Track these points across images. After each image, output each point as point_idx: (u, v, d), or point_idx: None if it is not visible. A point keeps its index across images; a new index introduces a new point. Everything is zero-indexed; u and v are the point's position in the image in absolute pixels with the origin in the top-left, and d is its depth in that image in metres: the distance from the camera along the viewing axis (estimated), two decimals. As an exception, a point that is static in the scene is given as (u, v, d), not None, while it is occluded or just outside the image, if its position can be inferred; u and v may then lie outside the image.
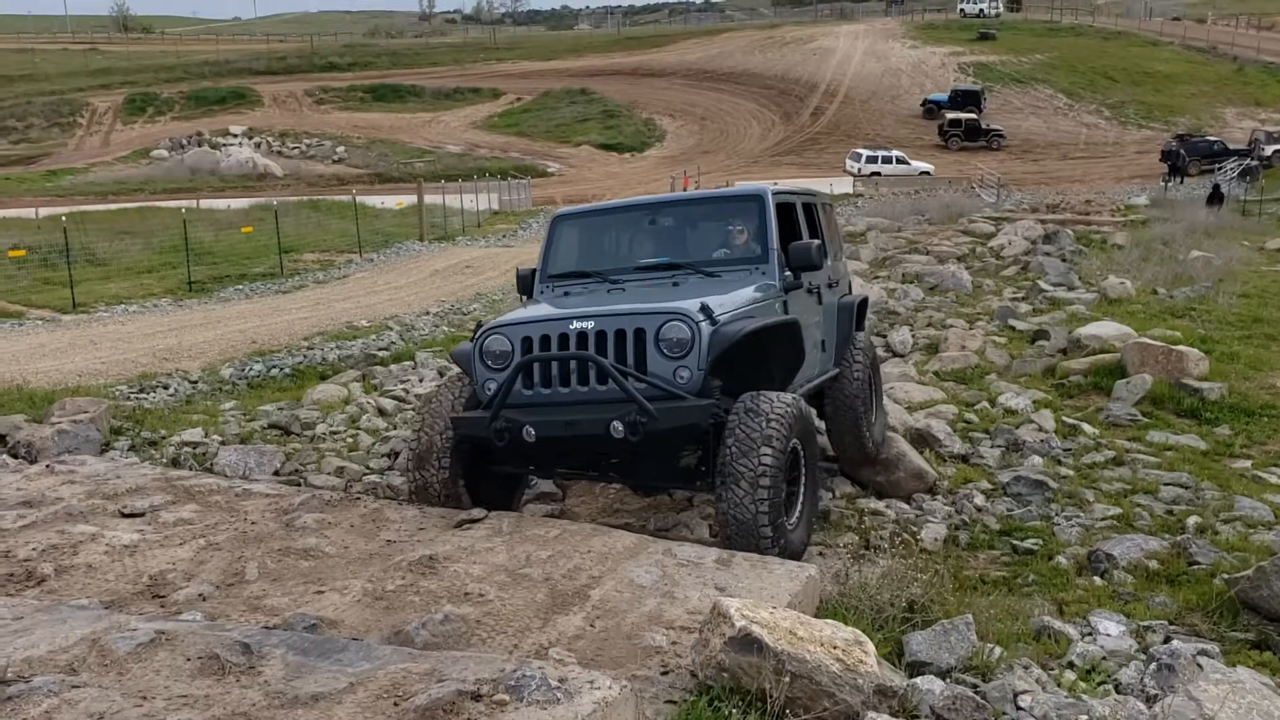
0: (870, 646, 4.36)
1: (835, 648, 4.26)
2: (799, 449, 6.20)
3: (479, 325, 6.49)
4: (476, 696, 3.52)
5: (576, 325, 5.99)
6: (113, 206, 38.49)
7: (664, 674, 4.36)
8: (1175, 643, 5.62)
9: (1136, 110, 68.24)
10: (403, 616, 4.80)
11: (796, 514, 6.26)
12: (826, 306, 8.29)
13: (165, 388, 12.45)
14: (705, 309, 5.96)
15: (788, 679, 4.07)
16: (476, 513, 6.36)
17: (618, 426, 5.71)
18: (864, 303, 9.47)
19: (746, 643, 4.13)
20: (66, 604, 4.52)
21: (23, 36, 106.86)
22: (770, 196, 7.38)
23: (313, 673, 3.71)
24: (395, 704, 3.51)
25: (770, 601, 4.90)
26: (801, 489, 6.36)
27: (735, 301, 6.39)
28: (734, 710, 4.02)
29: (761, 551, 5.74)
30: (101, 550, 5.57)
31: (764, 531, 5.75)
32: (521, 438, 5.94)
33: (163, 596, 5.05)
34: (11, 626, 4.01)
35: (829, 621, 4.47)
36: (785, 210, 7.67)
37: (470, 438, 6.30)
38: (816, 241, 7.22)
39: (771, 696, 4.07)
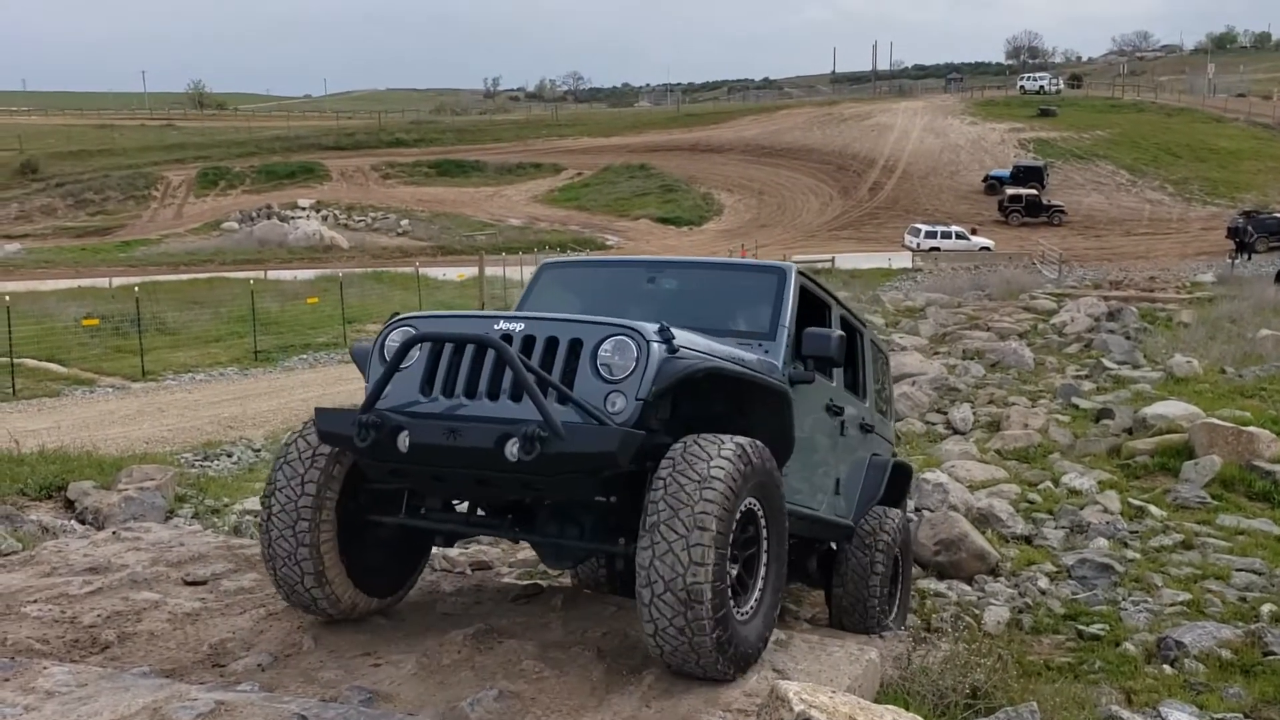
0: (932, 734, 4.27)
1: (896, 734, 4.17)
2: (756, 509, 4.91)
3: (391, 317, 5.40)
4: (531, 777, 3.49)
5: (502, 325, 4.89)
6: (184, 277, 39.51)
7: (720, 757, 4.28)
8: (1250, 736, 5.44)
9: (1201, 186, 67.67)
10: (457, 692, 4.78)
11: (752, 600, 4.95)
12: (850, 440, 7.14)
13: (229, 455, 12.67)
14: (664, 331, 4.78)
15: (847, 766, 3.98)
16: (532, 587, 6.33)
17: (513, 443, 4.50)
18: (906, 474, 8.12)
19: (805, 727, 4.05)
20: (129, 672, 4.57)
21: (103, 113, 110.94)
22: (794, 274, 6.34)
23: (368, 748, 3.71)
24: (449, 782, 3.49)
25: (829, 685, 4.82)
26: (763, 564, 5.04)
27: (713, 347, 5.23)
28: (792, 797, 3.93)
29: (696, 654, 4.56)
30: (164, 618, 5.63)
31: (701, 624, 4.45)
32: (393, 444, 4.71)
33: (222, 665, 5.08)
34: (76, 694, 4.06)
35: (889, 708, 4.38)
36: (814, 305, 6.68)
37: (332, 437, 4.99)
38: (839, 333, 5.97)
39: (830, 784, 3.98)
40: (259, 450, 13.07)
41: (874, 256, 48.91)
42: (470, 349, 4.92)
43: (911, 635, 6.76)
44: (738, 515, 4.68)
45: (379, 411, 4.79)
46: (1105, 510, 10.60)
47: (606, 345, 4.77)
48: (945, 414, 14.84)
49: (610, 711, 4.64)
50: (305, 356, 23.50)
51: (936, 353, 19.41)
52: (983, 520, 10.23)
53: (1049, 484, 11.72)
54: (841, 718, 4.16)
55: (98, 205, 68.45)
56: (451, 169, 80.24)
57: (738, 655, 4.78)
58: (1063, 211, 63.04)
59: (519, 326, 4.89)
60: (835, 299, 7.05)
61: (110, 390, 18.94)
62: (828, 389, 6.68)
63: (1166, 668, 7.05)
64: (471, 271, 37.30)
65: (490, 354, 4.85)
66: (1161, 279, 37.25)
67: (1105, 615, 8.11)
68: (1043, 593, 8.73)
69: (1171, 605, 8.26)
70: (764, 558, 5.08)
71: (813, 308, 6.64)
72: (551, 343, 4.83)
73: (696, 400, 5.34)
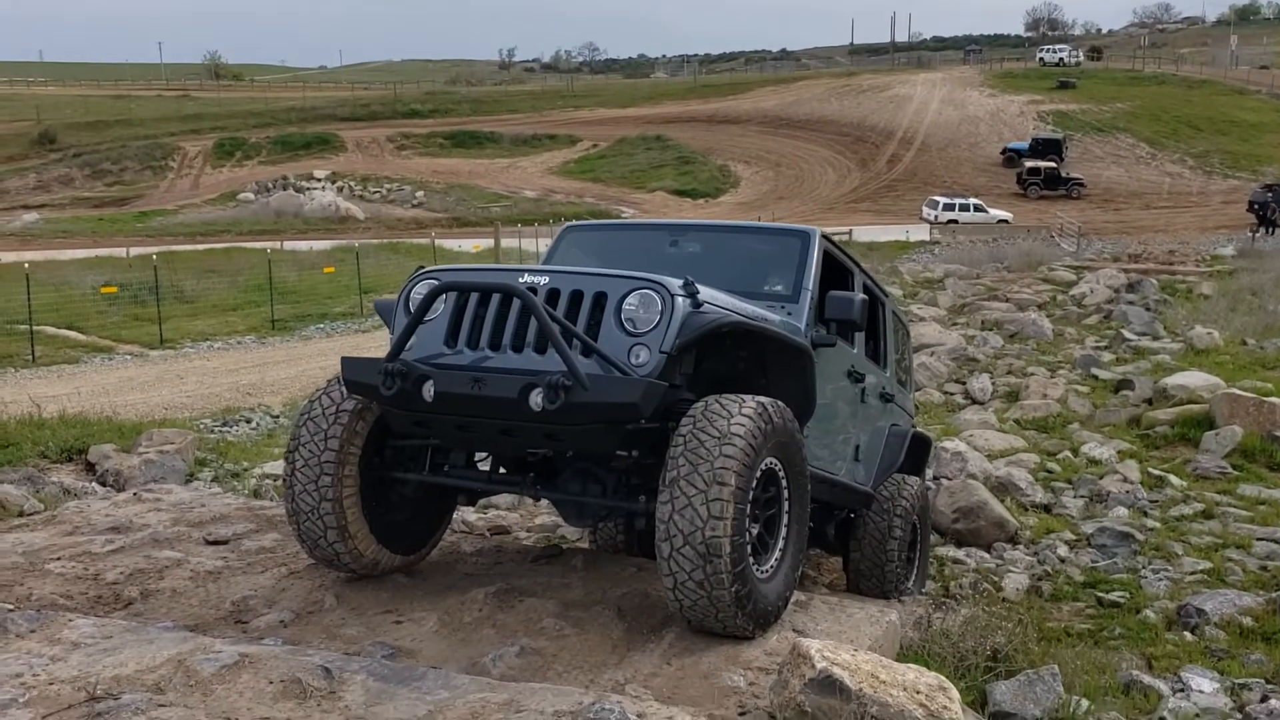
0: (954, 693, 4.25)
1: (919, 693, 4.16)
2: (778, 470, 4.94)
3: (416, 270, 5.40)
4: (554, 729, 3.49)
5: (528, 279, 4.86)
6: (200, 247, 39.62)
7: (741, 714, 4.28)
8: (1273, 702, 5.42)
9: (1222, 159, 67.06)
10: (479, 648, 4.79)
11: (773, 559, 4.97)
12: (870, 408, 7.14)
13: (248, 422, 12.71)
14: (689, 285, 4.80)
15: (869, 723, 3.98)
16: (551, 549, 6.35)
17: (537, 393, 4.54)
18: (925, 444, 8.15)
19: (827, 685, 4.05)
20: (153, 625, 4.60)
21: (120, 84, 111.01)
22: (818, 238, 6.33)
23: (392, 699, 3.72)
24: (473, 733, 3.50)
25: (850, 645, 4.81)
26: (782, 525, 5.05)
27: (737, 304, 5.25)
28: (814, 753, 3.93)
29: (715, 608, 4.59)
30: (186, 576, 5.65)
31: (720, 578, 4.48)
32: (418, 394, 4.75)
33: (244, 622, 5.10)
34: (101, 645, 4.08)
35: (912, 666, 4.37)
36: (838, 270, 6.64)
37: (357, 386, 4.99)
38: (861, 296, 5.92)
39: (852, 740, 3.98)
40: (277, 417, 13.12)
41: (891, 229, 48.65)
42: (495, 300, 4.92)
43: (931, 599, 6.73)
44: (758, 474, 4.69)
45: (404, 361, 4.81)
46: (1125, 480, 10.55)
47: (631, 299, 4.78)
48: (964, 384, 14.78)
49: (631, 668, 4.65)
50: (322, 326, 23.55)
51: (955, 323, 19.32)
52: (1001, 489, 10.20)
53: (1068, 454, 11.67)
54: (864, 675, 4.16)
55: (115, 176, 68.63)
56: (466, 140, 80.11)
57: (757, 612, 4.80)
58: (1081, 184, 62.58)
59: (544, 279, 4.88)
60: (858, 266, 7.02)
61: (129, 357, 19.03)
62: (849, 355, 6.66)
63: (1187, 634, 7.03)
64: (487, 243, 37.30)
65: (515, 306, 4.86)
66: (1181, 252, 36.98)
67: (1125, 583, 8.09)
68: (1062, 561, 8.70)
69: (1192, 573, 8.23)
70: (785, 518, 5.09)
71: (836, 273, 6.61)
72: (576, 296, 4.83)
73: (718, 358, 5.35)
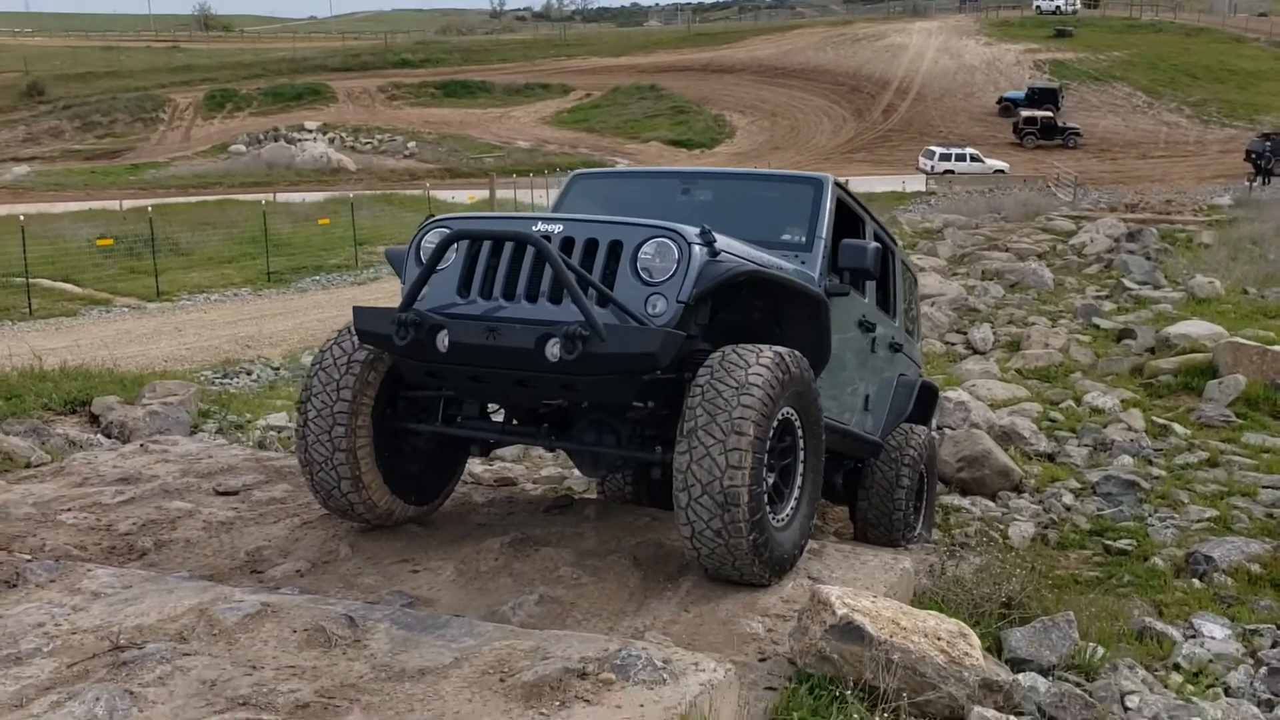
0: (975, 639, 4.26)
1: (939, 639, 4.17)
2: (794, 420, 4.94)
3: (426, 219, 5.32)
4: (583, 675, 3.49)
5: (541, 227, 4.79)
6: (193, 199, 39.32)
7: (761, 660, 4.30)
8: (1286, 646, 5.45)
9: (1219, 108, 66.67)
10: (497, 597, 4.79)
11: (788, 507, 5.00)
12: (879, 358, 7.11)
13: (249, 373, 12.67)
14: (705, 234, 4.75)
15: (892, 669, 3.99)
16: (564, 499, 6.34)
17: (554, 343, 4.49)
18: (933, 394, 8.12)
19: (848, 631, 4.05)
20: (172, 575, 4.58)
21: (108, 35, 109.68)
22: (831, 185, 6.25)
23: (417, 647, 3.71)
24: (501, 680, 3.50)
25: (868, 592, 4.81)
26: (799, 474, 5.07)
27: (752, 253, 5.19)
28: (834, 699, 3.95)
29: (733, 556, 4.62)
30: (199, 526, 5.64)
31: (738, 527, 4.51)
32: (432, 344, 4.71)
33: (260, 572, 5.09)
34: (121, 595, 4.07)
35: (931, 613, 4.38)
36: (849, 218, 6.57)
37: (370, 336, 4.94)
38: (875, 245, 5.85)
39: (873, 686, 3.99)
40: (278, 369, 13.08)
41: (888, 179, 48.36)
42: (508, 249, 4.87)
43: (945, 548, 6.74)
44: (775, 423, 4.69)
45: (417, 311, 4.76)
46: (1129, 428, 10.56)
47: (647, 247, 4.73)
48: (965, 334, 14.76)
49: (650, 616, 4.66)
50: (318, 278, 23.42)
51: (955, 274, 19.28)
52: (1005, 438, 10.21)
53: (1071, 403, 11.68)
54: (884, 622, 4.16)
55: (105, 128, 67.95)
56: (458, 90, 79.33)
57: (773, 560, 4.82)
58: (1078, 134, 62.25)
59: (558, 228, 4.81)
60: (869, 214, 6.95)
61: (126, 310, 18.93)
62: (860, 305, 6.62)
63: (1196, 581, 7.06)
64: (482, 194, 37.06)
65: (528, 255, 4.81)
66: (1178, 202, 36.85)
67: (1132, 531, 8.11)
68: (1068, 509, 8.73)
69: (1198, 521, 8.26)
70: (800, 467, 5.11)
71: (847, 221, 6.54)
72: (591, 244, 4.78)
73: (733, 308, 5.32)
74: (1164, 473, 9.47)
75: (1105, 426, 10.71)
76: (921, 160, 54.53)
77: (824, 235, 6.00)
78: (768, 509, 4.71)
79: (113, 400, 9.47)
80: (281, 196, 40.85)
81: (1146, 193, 41.24)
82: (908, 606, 4.33)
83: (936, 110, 68.85)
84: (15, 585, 4.14)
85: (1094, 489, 9.10)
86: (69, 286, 20.49)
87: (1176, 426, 10.66)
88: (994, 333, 14.82)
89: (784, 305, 5.46)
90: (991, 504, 8.92)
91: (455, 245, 4.93)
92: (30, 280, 19.12)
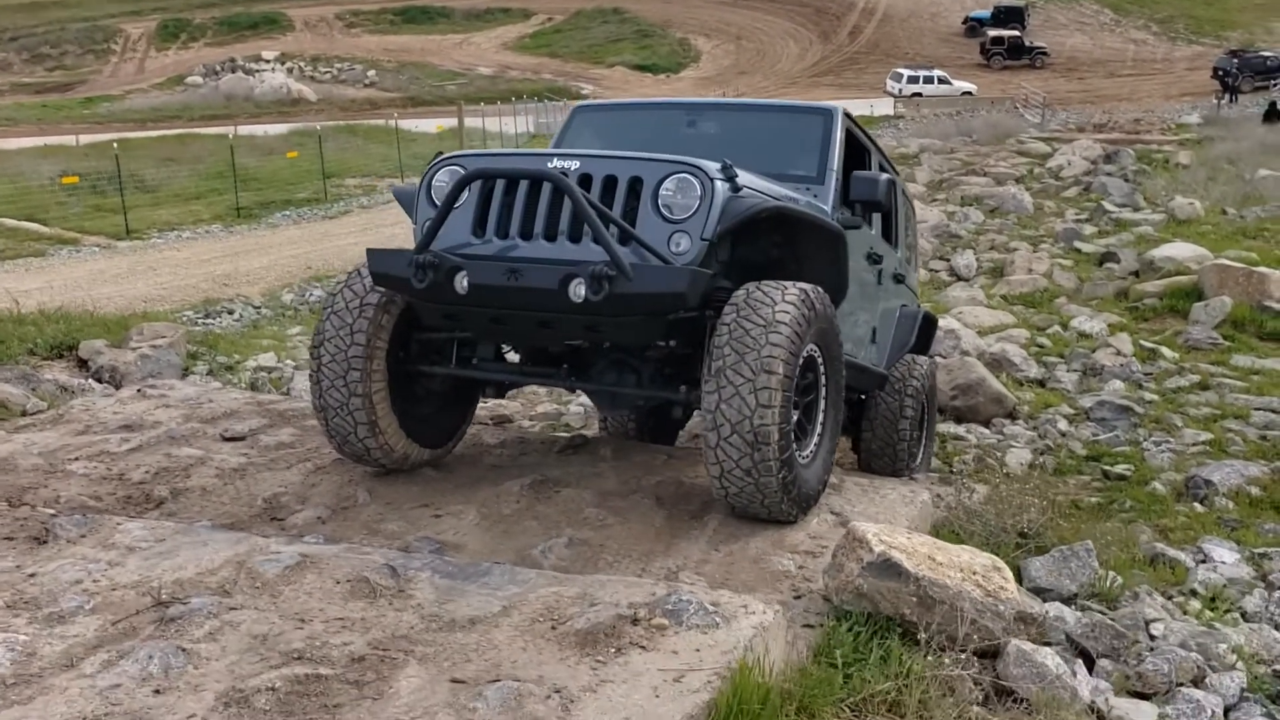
0: (1009, 573, 4.29)
1: (975, 573, 4.20)
2: (817, 356, 4.90)
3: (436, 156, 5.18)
4: (635, 620, 3.49)
5: (558, 163, 4.68)
6: (153, 133, 38.45)
7: (796, 598, 4.31)
8: (1297, 569, 5.54)
9: (1187, 25, 66.58)
10: (525, 540, 4.77)
11: (812, 444, 5.00)
12: (886, 290, 7.09)
13: (230, 313, 12.51)
14: (728, 169, 4.68)
15: (930, 605, 4.02)
16: (577, 438, 6.31)
17: (578, 284, 4.39)
18: (932, 324, 8.09)
19: (886, 568, 4.07)
20: (201, 526, 4.53)
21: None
22: (841, 116, 6.17)
23: (463, 596, 3.69)
24: (553, 627, 3.49)
25: (903, 529, 4.83)
26: (820, 410, 5.06)
27: (770, 187, 5.13)
28: (874, 634, 3.98)
29: (762, 495, 4.62)
30: (212, 474, 5.57)
31: (768, 465, 4.49)
32: (450, 286, 4.58)
33: (280, 519, 5.04)
34: (155, 549, 4.01)
35: (965, 548, 4.41)
36: (858, 149, 6.51)
37: (386, 279, 4.83)
38: (887, 177, 5.84)
39: (911, 622, 4.02)
40: (259, 308, 12.90)
41: (855, 103, 47.88)
42: (524, 187, 4.76)
43: (959, 479, 6.78)
44: (800, 360, 4.65)
45: (435, 252, 4.65)
46: (1118, 353, 10.64)
47: (668, 184, 4.65)
48: (948, 261, 14.78)
49: (680, 556, 4.66)
50: (288, 213, 23.04)
51: (934, 199, 19.24)
52: (995, 365, 10.26)
53: (1058, 328, 11.75)
54: (921, 558, 4.18)
55: (55, 60, 66.16)
56: (417, 16, 77.76)
57: (800, 497, 4.83)
58: (1045, 53, 62.07)
59: (574, 164, 4.70)
60: (875, 144, 6.88)
61: (96, 249, 18.56)
62: (868, 237, 6.57)
63: (1197, 505, 7.15)
64: (450, 123, 36.45)
65: (545, 193, 4.72)
66: (1146, 121, 36.92)
67: (1128, 456, 8.20)
68: (1063, 435, 8.81)
69: (1194, 445, 8.36)
70: (822, 403, 5.11)
71: (854, 152, 6.46)
72: (610, 181, 4.69)
73: (751, 243, 5.25)
74: (1156, 397, 9.56)
75: (1094, 351, 10.79)
76: (889, 83, 54.20)
77: (835, 168, 5.94)
78: (794, 447, 4.70)
79: (100, 344, 9.29)
80: (244, 129, 40.04)
81: (1115, 112, 41.31)
82: (942, 542, 4.35)
83: (903, 31, 68.34)
84: (45, 541, 4.07)
85: (1087, 414, 9.18)
86: (35, 226, 20.03)
87: (1165, 350, 10.76)
88: (977, 259, 14.85)
89: (802, 240, 5.40)
90: (987, 431, 8.99)
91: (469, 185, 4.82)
92: (-6, 220, 18.72)
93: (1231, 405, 9.16)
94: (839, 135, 6.06)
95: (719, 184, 4.63)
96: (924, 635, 3.83)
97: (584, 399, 9.29)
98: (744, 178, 4.82)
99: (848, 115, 6.35)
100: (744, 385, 4.45)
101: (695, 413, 5.43)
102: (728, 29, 70.77)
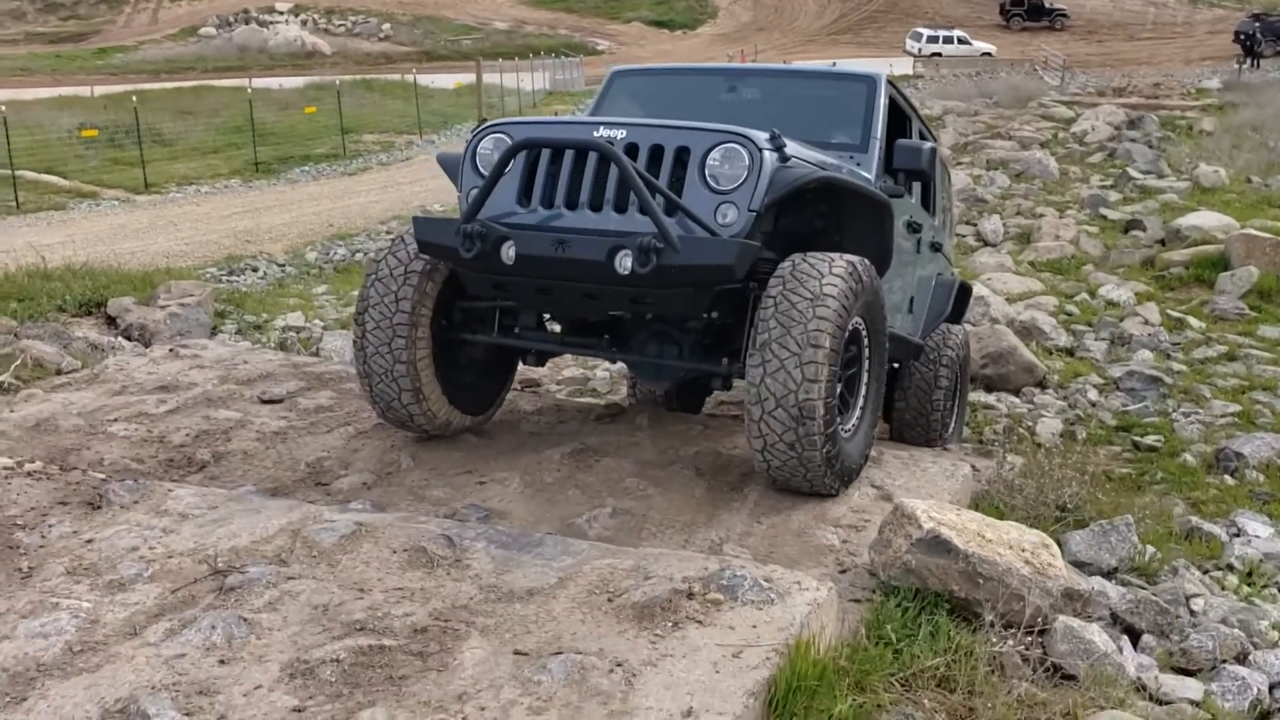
0: (1056, 550, 4.30)
1: (1023, 550, 4.21)
2: (861, 329, 4.88)
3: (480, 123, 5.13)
4: (690, 595, 3.50)
5: (604, 132, 4.65)
6: (168, 85, 38.25)
7: (842, 572, 4.33)
8: (1334, 545, 5.54)
9: (1209, -13, 65.62)
10: (569, 509, 4.80)
11: (855, 417, 4.96)
12: (923, 259, 7.02)
13: (254, 270, 12.50)
14: (776, 139, 4.63)
15: (979, 581, 4.03)
16: (613, 406, 6.31)
17: (625, 255, 4.38)
18: (967, 293, 7.97)
19: (935, 544, 4.08)
20: (250, 490, 4.55)
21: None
22: (884, 83, 6.10)
23: (519, 567, 3.71)
24: (609, 600, 3.51)
25: (930, 499, 4.84)
26: (863, 384, 5.04)
27: (817, 156, 5.08)
28: (921, 610, 4.00)
29: (805, 469, 4.59)
30: (253, 437, 5.59)
31: (812, 440, 4.47)
32: (497, 255, 4.58)
33: (325, 484, 5.07)
34: (209, 516, 4.03)
35: (1013, 524, 4.41)
36: (899, 116, 6.41)
37: (432, 248, 4.85)
38: (931, 145, 5.74)
39: (960, 598, 4.04)
40: (283, 265, 12.89)
41: (874, 63, 47.47)
42: (569, 157, 4.73)
43: (1000, 453, 6.77)
44: (846, 334, 4.63)
45: (482, 221, 4.63)
46: (1146, 322, 10.60)
47: (715, 154, 4.61)
48: (975, 225, 14.68)
49: (723, 527, 4.67)
50: (306, 169, 22.98)
51: (959, 163, 19.08)
52: (1025, 333, 10.22)
53: (1085, 296, 11.69)
54: (970, 535, 4.19)
55: (69, 10, 65.70)
56: (433, -31, 76.89)
57: (843, 470, 4.83)
58: (1065, 15, 61.37)
59: (620, 133, 4.66)
60: (915, 111, 6.82)
61: (115, 203, 18.54)
62: (909, 205, 6.53)
63: (1228, 478, 7.15)
64: (467, 79, 36.20)
65: (591, 162, 4.69)
66: (1166, 86, 36.47)
67: (1158, 427, 8.19)
68: (1093, 405, 8.79)
69: (1222, 416, 8.34)
70: (865, 376, 5.10)
71: (896, 120, 6.40)
72: (656, 150, 4.65)
73: (795, 213, 5.22)
74: (1184, 368, 9.53)
75: (1122, 320, 10.75)
76: (908, 42, 53.68)
77: (879, 136, 5.87)
78: (838, 420, 4.70)
79: (129, 301, 9.32)
80: (258, 82, 39.78)
81: (1134, 76, 40.77)
82: (990, 519, 4.36)
83: (922, -10, 67.47)
84: (99, 507, 4.09)
85: (1117, 384, 9.15)
86: (54, 179, 20.02)
87: (1191, 320, 10.71)
88: (1003, 224, 14.75)
89: (847, 210, 5.37)
90: (1017, 400, 8.98)
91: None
92: (14, 173, 18.67)
93: (1259, 377, 9.13)
94: (883, 103, 6.00)
95: (767, 154, 4.59)
96: (986, 614, 3.84)
97: (610, 365, 9.31)
98: (791, 147, 4.78)
99: (891, 82, 6.28)
100: (790, 359, 4.43)
101: (735, 384, 5.42)
102: (745, -16, 69.99)
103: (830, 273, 4.57)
